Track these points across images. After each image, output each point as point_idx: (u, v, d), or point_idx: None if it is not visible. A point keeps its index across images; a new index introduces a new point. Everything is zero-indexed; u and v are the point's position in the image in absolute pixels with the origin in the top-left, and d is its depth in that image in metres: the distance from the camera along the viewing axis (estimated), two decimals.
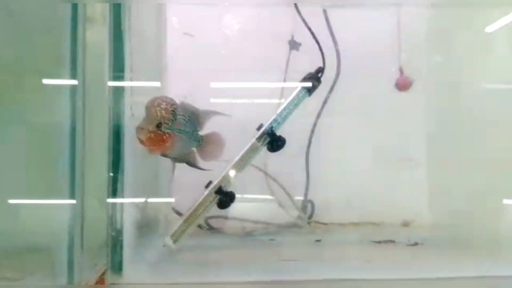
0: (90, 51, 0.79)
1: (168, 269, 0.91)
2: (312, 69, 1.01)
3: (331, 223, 1.29)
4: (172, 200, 1.18)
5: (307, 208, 1.31)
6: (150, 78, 1.04)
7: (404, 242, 1.14)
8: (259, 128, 0.94)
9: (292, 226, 1.28)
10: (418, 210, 1.30)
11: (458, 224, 1.15)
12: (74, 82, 0.78)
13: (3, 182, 0.90)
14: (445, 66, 1.29)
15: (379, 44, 1.31)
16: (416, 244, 1.13)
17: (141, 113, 0.81)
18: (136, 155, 0.83)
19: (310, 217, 1.32)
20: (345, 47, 1.19)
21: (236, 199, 0.92)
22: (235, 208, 0.95)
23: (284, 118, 0.95)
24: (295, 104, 0.97)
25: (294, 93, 0.97)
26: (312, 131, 1.26)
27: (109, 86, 0.81)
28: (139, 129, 0.78)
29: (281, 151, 0.94)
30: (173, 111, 0.82)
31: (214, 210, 0.92)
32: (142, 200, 0.96)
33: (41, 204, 0.88)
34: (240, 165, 0.93)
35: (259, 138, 0.93)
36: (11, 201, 0.90)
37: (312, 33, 1.08)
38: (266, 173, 1.27)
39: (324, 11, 1.19)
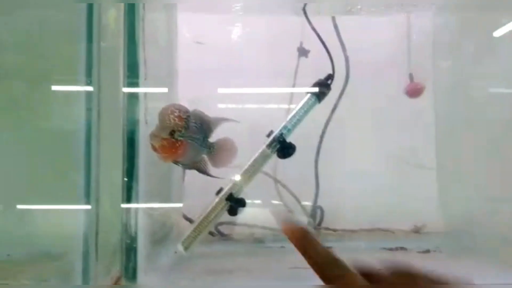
0: (105, 58, 0.80)
1: (179, 276, 0.91)
2: (322, 76, 1.01)
3: (341, 229, 1.28)
4: (180, 205, 1.18)
5: (317, 214, 1.31)
6: (163, 85, 1.05)
7: (415, 249, 1.13)
8: (269, 135, 0.94)
9: None
10: (429, 217, 1.29)
11: (470, 231, 1.14)
12: (90, 88, 0.79)
13: (19, 188, 0.91)
14: (455, 71, 1.29)
15: (388, 50, 1.31)
16: (428, 251, 1.12)
17: (154, 119, 0.82)
18: (150, 161, 0.83)
19: (319, 223, 1.31)
20: (354, 53, 1.20)
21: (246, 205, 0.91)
22: (245, 214, 0.95)
23: (294, 125, 0.95)
24: (305, 111, 0.97)
25: (304, 100, 0.97)
26: (321, 137, 1.26)
27: (124, 93, 0.82)
28: (153, 136, 0.79)
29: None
30: (186, 118, 0.82)
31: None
32: (155, 206, 0.96)
33: (56, 210, 0.88)
34: (251, 172, 0.93)
35: (269, 145, 0.93)
36: (21, 207, 0.90)
37: (321, 40, 1.08)
38: (275, 179, 1.27)
39: (333, 18, 1.20)
